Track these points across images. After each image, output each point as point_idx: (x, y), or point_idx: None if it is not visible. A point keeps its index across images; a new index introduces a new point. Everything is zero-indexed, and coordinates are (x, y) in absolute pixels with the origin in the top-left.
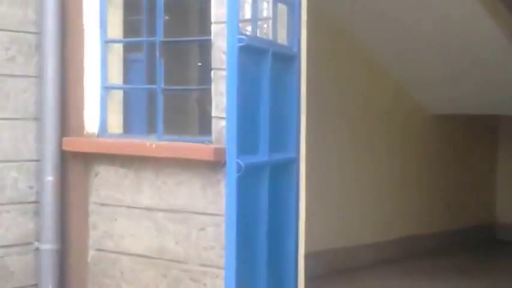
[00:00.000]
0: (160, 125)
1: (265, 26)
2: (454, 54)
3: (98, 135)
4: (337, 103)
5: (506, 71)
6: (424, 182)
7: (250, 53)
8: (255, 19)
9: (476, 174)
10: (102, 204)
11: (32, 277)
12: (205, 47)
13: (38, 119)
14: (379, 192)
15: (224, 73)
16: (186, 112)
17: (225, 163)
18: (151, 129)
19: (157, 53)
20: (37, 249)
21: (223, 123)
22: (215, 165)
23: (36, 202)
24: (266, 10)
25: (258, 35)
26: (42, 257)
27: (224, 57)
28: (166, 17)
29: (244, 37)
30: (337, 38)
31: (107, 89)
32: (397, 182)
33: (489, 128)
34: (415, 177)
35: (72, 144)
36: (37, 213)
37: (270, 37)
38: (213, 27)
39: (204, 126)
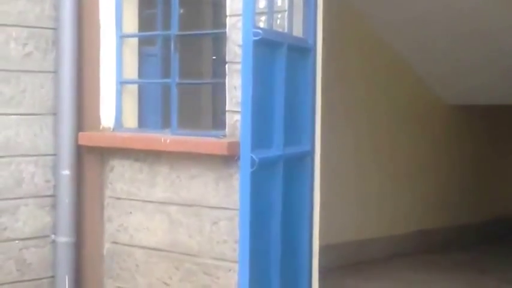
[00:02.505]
0: (174, 119)
1: (280, 17)
2: (472, 44)
3: (114, 130)
4: (354, 95)
5: None
6: (442, 174)
7: (266, 47)
8: (270, 11)
9: (495, 166)
10: (117, 198)
11: (48, 269)
12: (220, 40)
13: (54, 114)
14: (396, 185)
15: (239, 67)
16: (200, 106)
17: (238, 158)
18: (166, 123)
19: (172, 46)
20: (54, 242)
21: (237, 117)
22: (229, 159)
23: (52, 196)
24: (281, 1)
25: (273, 27)
26: (58, 250)
27: (239, 50)
28: (181, 11)
29: (259, 31)
30: (355, 30)
31: (122, 83)
32: (414, 175)
33: (507, 118)
34: (432, 169)
35: (88, 138)
36: (54, 207)
37: (285, 29)
38: (228, 20)
39: (218, 120)
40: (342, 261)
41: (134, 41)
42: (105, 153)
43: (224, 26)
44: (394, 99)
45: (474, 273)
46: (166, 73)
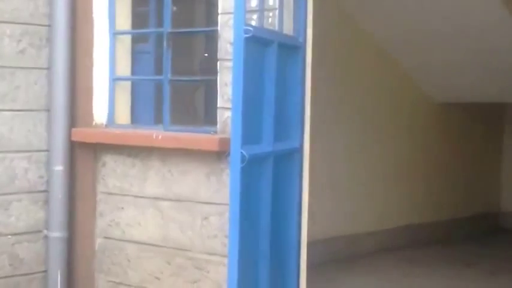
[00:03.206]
0: (166, 116)
1: (271, 15)
2: (459, 43)
3: (106, 126)
4: (343, 93)
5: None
6: (429, 170)
7: (256, 44)
8: (261, 9)
9: (481, 163)
10: (110, 194)
11: (41, 264)
12: (211, 37)
13: (48, 110)
14: (385, 181)
15: (230, 64)
16: (192, 102)
17: (229, 153)
18: (158, 119)
19: (165, 44)
20: (46, 237)
21: (228, 113)
22: (220, 155)
23: (45, 191)
24: (272, 0)
25: (264, 25)
26: (51, 245)
27: (230, 48)
28: (174, 8)
29: (250, 28)
30: (344, 28)
31: (115, 80)
32: (403, 171)
33: (494, 116)
34: (420, 165)
35: (80, 134)
36: (46, 202)
37: (276, 27)
38: (220, 18)
39: (210, 116)
40: (330, 256)
41: (127, 38)
42: (98, 149)
43: (216, 23)
44: (382, 97)
45: (460, 266)
46: (158, 70)
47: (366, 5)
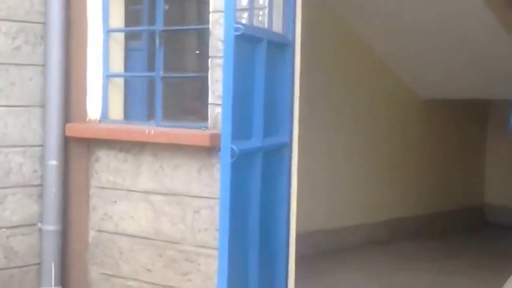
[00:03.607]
0: (158, 112)
1: (261, 13)
2: (444, 40)
3: (100, 122)
4: (331, 90)
5: (496, 56)
6: (413, 165)
7: (246, 42)
8: (251, 8)
9: (466, 159)
10: (103, 188)
11: (35, 256)
12: (203, 35)
13: (42, 106)
14: (369, 175)
15: (221, 61)
16: (184, 98)
17: (220, 148)
18: (150, 115)
19: (157, 41)
20: (40, 230)
21: (219, 109)
22: (211, 150)
23: (40, 185)
24: None
25: (254, 23)
26: (45, 238)
27: (221, 45)
28: (166, 7)
29: (240, 26)
30: (332, 26)
31: (108, 77)
32: (387, 165)
33: (479, 112)
34: (405, 160)
35: (74, 130)
36: (41, 196)
37: (266, 25)
38: (211, 16)
39: (201, 112)
40: (319, 248)
41: (120, 36)
42: (91, 144)
43: (207, 21)
44: (365, 94)
45: (443, 258)
46: (151, 67)
47: (354, 5)
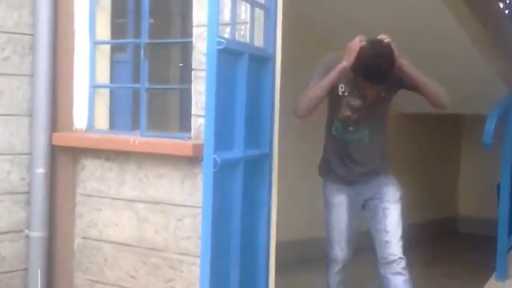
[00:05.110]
0: (143, 122)
1: (243, 28)
2: (420, 56)
3: (86, 131)
4: None
5: (467, 70)
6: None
7: (229, 55)
8: (233, 22)
9: (440, 172)
10: (88, 195)
11: (22, 262)
12: (187, 48)
13: (30, 115)
14: None
15: (204, 74)
16: (168, 110)
17: (202, 158)
18: (135, 125)
19: (142, 53)
20: (27, 236)
21: (201, 120)
22: (193, 160)
23: (27, 193)
24: (244, 13)
25: (236, 37)
26: (31, 244)
27: (204, 58)
28: (151, 20)
29: (223, 40)
30: (311, 41)
31: (94, 87)
32: None
33: (452, 126)
34: None
35: (61, 139)
36: (28, 203)
37: (248, 40)
38: (194, 30)
39: (184, 123)
40: (297, 257)
41: (106, 48)
42: (78, 153)
43: (191, 35)
44: None
45: (419, 267)
46: (136, 78)
47: (333, 19)
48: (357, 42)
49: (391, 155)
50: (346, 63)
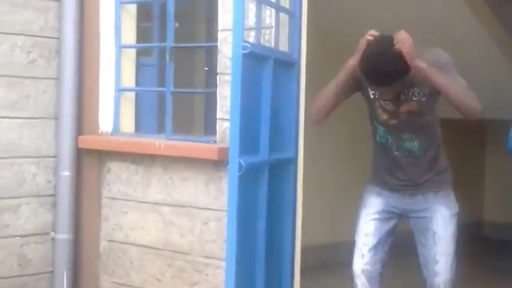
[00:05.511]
0: (168, 125)
1: (268, 33)
2: None
3: (111, 134)
4: None
5: (492, 75)
6: None
7: (254, 60)
8: (258, 27)
9: (465, 177)
10: (114, 198)
11: (48, 265)
12: (212, 52)
13: (56, 118)
14: None
15: (229, 78)
16: (193, 113)
17: (227, 162)
18: (160, 129)
19: (167, 57)
20: (53, 239)
21: (227, 124)
22: (219, 163)
23: (53, 195)
24: (269, 18)
25: (261, 42)
26: (57, 246)
27: (229, 62)
28: (176, 24)
29: (248, 45)
30: (336, 47)
31: (120, 91)
32: None
33: (477, 130)
34: None
35: (87, 142)
36: (54, 206)
37: (272, 44)
38: (220, 35)
39: (210, 126)
40: (321, 261)
41: (132, 52)
42: (103, 156)
43: (216, 39)
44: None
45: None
46: (161, 82)
47: (353, 24)
48: (365, 38)
49: (446, 168)
50: (352, 61)
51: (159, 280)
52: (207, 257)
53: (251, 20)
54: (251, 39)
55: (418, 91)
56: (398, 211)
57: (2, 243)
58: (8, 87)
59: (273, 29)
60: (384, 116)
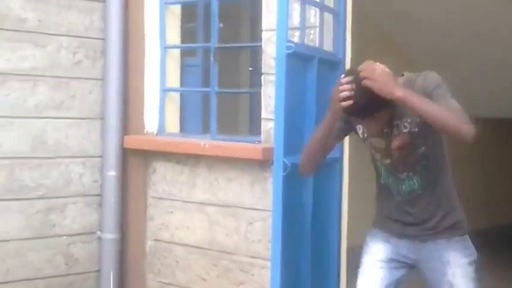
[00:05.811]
0: (213, 126)
1: (312, 32)
2: (486, 64)
3: (157, 134)
4: None
5: None
6: (457, 182)
7: (298, 59)
8: (302, 27)
9: (504, 175)
10: (159, 198)
11: (94, 264)
12: (256, 52)
13: (101, 118)
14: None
15: (273, 78)
16: (237, 113)
17: (272, 162)
18: (205, 129)
19: (212, 57)
20: (99, 238)
21: (271, 124)
22: (263, 163)
23: (99, 195)
24: (313, 17)
25: (305, 41)
26: (104, 246)
27: (273, 62)
28: (221, 24)
29: (292, 44)
30: (380, 45)
31: (165, 91)
32: None
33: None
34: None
35: (132, 142)
36: (100, 205)
37: (317, 44)
38: (264, 35)
39: (254, 126)
40: None
41: (177, 52)
42: (149, 156)
43: (260, 39)
44: None
45: (485, 274)
46: (206, 82)
47: (401, 23)
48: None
49: (458, 209)
50: (329, 112)
51: (204, 280)
52: (252, 257)
53: (295, 20)
54: (295, 39)
55: (408, 121)
56: (410, 261)
57: (49, 243)
58: (54, 88)
59: (317, 29)
60: (377, 156)
